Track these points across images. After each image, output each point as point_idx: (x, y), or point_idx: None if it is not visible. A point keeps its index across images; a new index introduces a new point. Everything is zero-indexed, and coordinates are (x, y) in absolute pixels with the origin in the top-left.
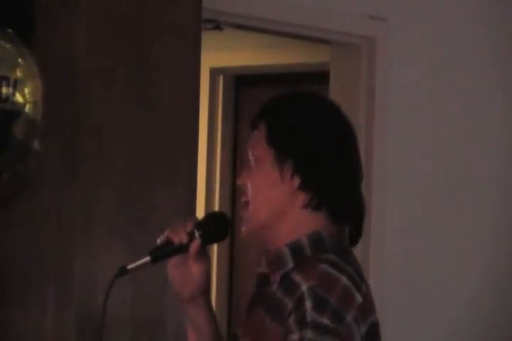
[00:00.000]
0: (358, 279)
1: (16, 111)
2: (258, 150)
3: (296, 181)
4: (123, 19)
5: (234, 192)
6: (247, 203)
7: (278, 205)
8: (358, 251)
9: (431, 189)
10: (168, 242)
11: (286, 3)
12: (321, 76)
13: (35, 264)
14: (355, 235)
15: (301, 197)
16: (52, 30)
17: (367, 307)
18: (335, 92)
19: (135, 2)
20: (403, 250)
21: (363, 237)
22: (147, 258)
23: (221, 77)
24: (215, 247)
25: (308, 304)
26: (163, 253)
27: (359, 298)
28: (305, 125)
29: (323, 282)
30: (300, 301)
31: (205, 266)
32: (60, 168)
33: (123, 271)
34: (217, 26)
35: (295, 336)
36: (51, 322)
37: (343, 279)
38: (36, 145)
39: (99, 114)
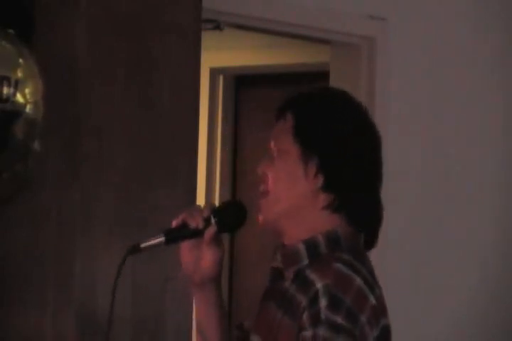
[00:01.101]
0: (372, 281)
1: (17, 112)
2: (283, 143)
3: (320, 180)
4: (123, 19)
5: (234, 192)
6: (266, 192)
7: (298, 200)
8: None
9: (431, 189)
10: (184, 225)
11: (286, 3)
12: (321, 76)
13: (35, 264)
14: (371, 239)
15: (322, 198)
16: (52, 30)
17: (379, 310)
18: None
19: (135, 2)
20: (403, 250)
21: None
22: (162, 239)
23: (221, 77)
24: None
25: (323, 302)
26: (177, 235)
27: (372, 300)
28: (334, 124)
29: (338, 281)
30: (315, 299)
31: (219, 253)
32: (60, 168)
33: (135, 249)
34: (217, 26)
35: (308, 333)
36: (51, 322)
37: (358, 280)
38: (36, 145)
39: (99, 114)
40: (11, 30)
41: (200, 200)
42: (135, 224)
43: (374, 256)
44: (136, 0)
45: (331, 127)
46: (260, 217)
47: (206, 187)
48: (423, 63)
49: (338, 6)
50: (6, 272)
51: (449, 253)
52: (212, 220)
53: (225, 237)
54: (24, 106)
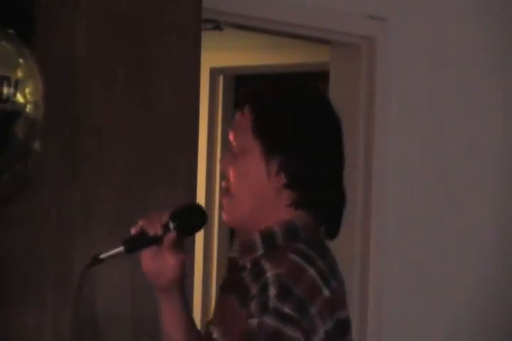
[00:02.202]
0: (329, 274)
1: (17, 112)
2: (243, 140)
3: (282, 178)
4: (123, 19)
5: None
6: (228, 190)
7: (261, 199)
8: (357, 251)
9: (431, 189)
10: (143, 233)
11: (286, 3)
12: (321, 76)
13: (35, 264)
14: (333, 229)
15: (286, 195)
16: (52, 30)
17: (334, 303)
18: (335, 92)
19: (135, 2)
20: (403, 250)
21: (363, 237)
22: (121, 248)
23: (221, 77)
24: (215, 245)
25: (272, 291)
26: (137, 244)
27: (326, 293)
28: (295, 121)
29: (290, 271)
30: (264, 287)
31: (180, 257)
32: (60, 168)
33: (96, 260)
34: (217, 26)
35: (255, 321)
36: (51, 322)
37: (311, 271)
38: (36, 145)
39: (99, 114)
40: (11, 30)
41: (200, 200)
42: (135, 224)
43: (373, 256)
44: (136, 0)
45: (291, 124)
46: (224, 216)
47: (206, 187)
48: (423, 63)
49: (338, 6)
50: (6, 272)
51: (449, 253)
52: (171, 225)
53: (226, 239)
54: (24, 106)
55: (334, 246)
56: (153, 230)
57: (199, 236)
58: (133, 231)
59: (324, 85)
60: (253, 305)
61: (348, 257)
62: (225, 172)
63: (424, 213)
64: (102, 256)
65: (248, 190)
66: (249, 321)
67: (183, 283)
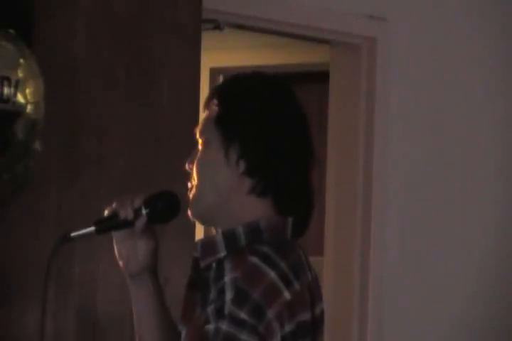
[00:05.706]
0: (292, 276)
1: (17, 112)
2: (206, 133)
3: (242, 165)
4: (123, 19)
5: None
6: (192, 188)
7: (223, 188)
8: (357, 251)
9: (431, 189)
10: (115, 215)
11: (286, 3)
12: (321, 76)
13: (35, 264)
14: (302, 226)
15: (247, 183)
16: (52, 30)
17: (297, 306)
18: (335, 92)
19: (135, 2)
20: (403, 250)
21: (363, 237)
22: (92, 229)
23: (221, 77)
24: None
25: (228, 295)
26: (107, 226)
27: (286, 295)
28: (254, 109)
29: (248, 275)
30: (221, 292)
31: (152, 244)
32: (60, 168)
33: (66, 238)
34: (217, 26)
35: (211, 326)
36: (51, 322)
37: (272, 274)
38: (37, 145)
39: (99, 114)
40: (11, 30)
41: None
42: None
43: (373, 256)
44: (137, 0)
45: (251, 112)
46: (189, 212)
47: None
48: (423, 63)
49: (338, 6)
50: (6, 272)
51: (449, 253)
52: (143, 211)
53: None
54: (25, 106)
55: (335, 246)
56: (125, 213)
57: (199, 234)
58: (106, 212)
59: (324, 85)
60: (210, 310)
61: (349, 257)
62: (190, 171)
63: (424, 213)
64: (73, 234)
65: (209, 180)
66: (206, 327)
67: (155, 272)
